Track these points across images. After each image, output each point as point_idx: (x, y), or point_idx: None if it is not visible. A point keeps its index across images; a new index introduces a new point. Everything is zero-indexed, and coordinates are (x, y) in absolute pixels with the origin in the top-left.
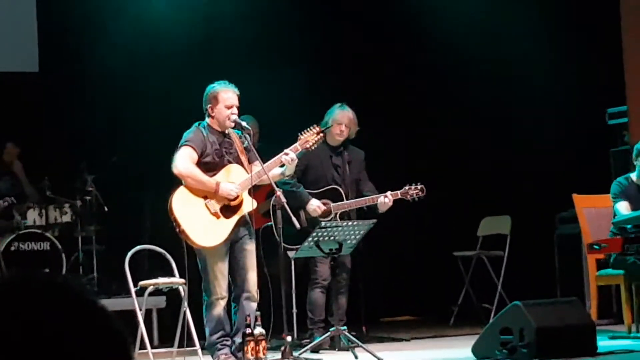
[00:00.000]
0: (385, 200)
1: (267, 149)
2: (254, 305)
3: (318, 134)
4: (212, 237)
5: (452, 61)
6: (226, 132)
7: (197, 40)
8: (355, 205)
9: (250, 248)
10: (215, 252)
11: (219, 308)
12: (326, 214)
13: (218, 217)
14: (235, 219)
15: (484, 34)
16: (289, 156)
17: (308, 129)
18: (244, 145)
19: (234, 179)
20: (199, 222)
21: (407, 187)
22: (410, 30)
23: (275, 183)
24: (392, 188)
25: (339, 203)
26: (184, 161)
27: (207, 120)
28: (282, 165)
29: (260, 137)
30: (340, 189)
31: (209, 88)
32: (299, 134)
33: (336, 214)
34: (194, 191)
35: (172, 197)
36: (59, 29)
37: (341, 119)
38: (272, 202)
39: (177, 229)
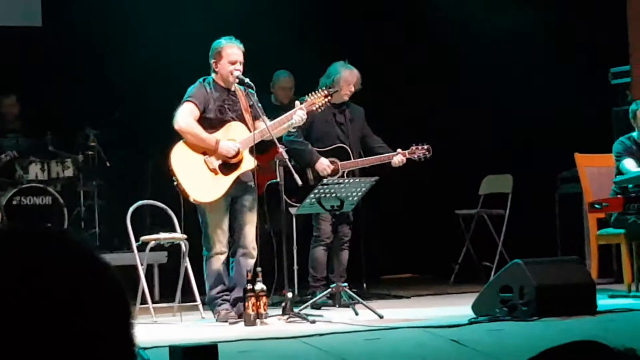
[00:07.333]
0: (399, 159)
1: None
2: (251, 261)
3: (325, 97)
4: (208, 192)
5: (453, 19)
6: (232, 89)
7: None
8: (362, 164)
9: (250, 205)
10: (215, 207)
11: (218, 263)
12: (334, 172)
13: (216, 174)
14: (233, 176)
15: None
16: (301, 112)
17: (316, 91)
18: (250, 103)
19: (233, 137)
20: (196, 177)
21: (413, 147)
22: None
23: (279, 139)
24: (395, 148)
25: (347, 162)
26: (184, 117)
27: (213, 75)
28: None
29: (296, 92)
30: (347, 147)
31: (214, 43)
32: (306, 95)
33: (344, 172)
34: (193, 147)
35: (171, 152)
36: None
37: (352, 80)
38: (275, 158)
39: (175, 183)
